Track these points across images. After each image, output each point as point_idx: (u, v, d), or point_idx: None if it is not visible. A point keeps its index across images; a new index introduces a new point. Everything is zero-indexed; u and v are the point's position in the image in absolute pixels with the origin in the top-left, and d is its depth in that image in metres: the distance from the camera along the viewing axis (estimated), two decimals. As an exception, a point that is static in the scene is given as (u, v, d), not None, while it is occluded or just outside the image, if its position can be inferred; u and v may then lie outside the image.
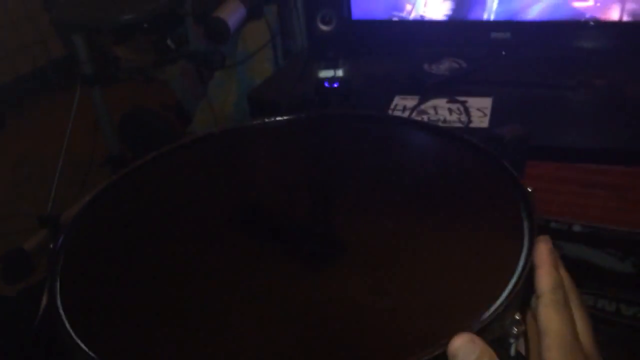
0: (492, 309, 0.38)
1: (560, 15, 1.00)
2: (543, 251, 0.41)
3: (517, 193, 0.49)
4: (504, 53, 1.04)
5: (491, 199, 0.51)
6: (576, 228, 0.91)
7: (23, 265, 1.73)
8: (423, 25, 1.10)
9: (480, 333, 0.37)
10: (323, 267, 0.48)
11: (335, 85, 0.98)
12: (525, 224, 0.46)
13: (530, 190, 0.48)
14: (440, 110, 0.92)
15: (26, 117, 2.76)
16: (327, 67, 1.00)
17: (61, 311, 0.43)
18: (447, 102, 0.94)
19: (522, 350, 0.43)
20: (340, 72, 1.00)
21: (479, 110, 0.91)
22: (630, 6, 0.96)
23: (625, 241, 0.89)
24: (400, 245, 0.48)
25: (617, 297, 0.94)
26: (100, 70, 1.88)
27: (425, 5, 1.08)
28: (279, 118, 0.68)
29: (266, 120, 0.68)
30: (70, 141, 1.89)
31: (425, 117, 0.90)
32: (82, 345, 0.39)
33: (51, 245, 0.50)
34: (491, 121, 0.87)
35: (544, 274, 0.40)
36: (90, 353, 0.39)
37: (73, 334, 0.40)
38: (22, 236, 1.81)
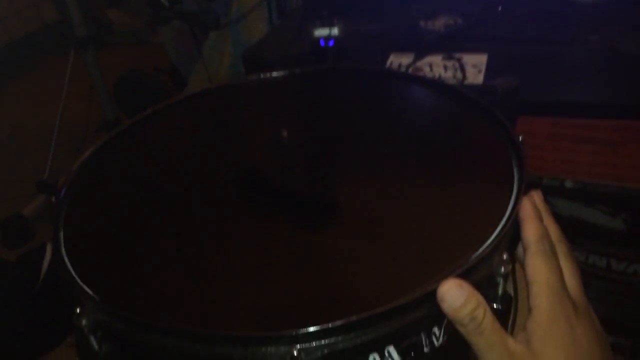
0: (481, 249, 0.39)
1: (556, -30, 0.99)
2: (527, 206, 0.43)
3: (508, 141, 0.50)
4: (499, 9, 1.03)
5: (482, 148, 0.52)
6: (568, 184, 0.93)
7: (22, 230, 1.75)
8: (418, -17, 1.09)
9: (469, 272, 0.38)
10: (319, 218, 0.49)
11: (331, 44, 0.98)
12: (515, 171, 0.47)
13: (520, 138, 0.49)
14: (436, 67, 0.92)
15: (21, 83, 2.74)
16: (323, 26, 0.99)
17: (66, 259, 0.44)
18: (443, 59, 0.94)
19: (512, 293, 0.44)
20: (335, 31, 0.99)
21: (474, 66, 0.91)
22: (626, -39, 0.95)
23: (616, 197, 0.90)
24: (393, 195, 0.49)
25: (607, 253, 0.96)
26: (94, 33, 1.86)
27: (420, -38, 1.07)
28: (274, 74, 0.68)
29: (262, 76, 0.69)
30: (65, 107, 1.89)
31: (420, 75, 0.90)
32: (87, 290, 0.41)
33: (53, 198, 0.51)
34: (486, 77, 0.87)
35: (529, 227, 0.42)
36: (95, 296, 0.40)
37: (78, 280, 0.42)
38: (21, 202, 1.82)
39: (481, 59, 0.94)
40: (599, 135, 0.87)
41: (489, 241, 0.40)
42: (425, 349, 0.40)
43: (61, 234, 0.47)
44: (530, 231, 0.41)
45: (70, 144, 1.88)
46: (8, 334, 1.35)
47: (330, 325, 0.35)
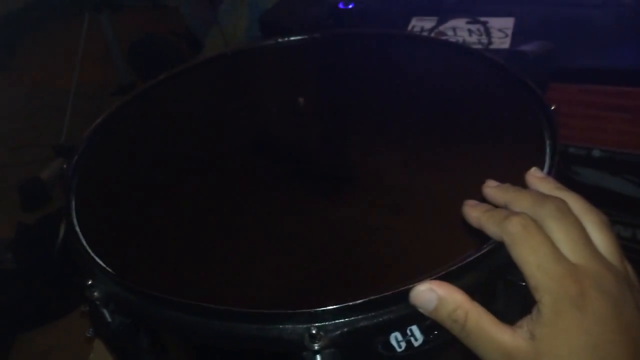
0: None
1: None
2: (469, 209, 0.38)
3: (539, 111, 0.47)
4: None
5: (513, 117, 0.49)
6: (595, 153, 0.90)
7: (40, 193, 1.75)
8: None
9: (461, 271, 0.35)
10: (338, 188, 0.47)
11: (350, 7, 0.95)
12: (548, 143, 0.45)
13: (553, 107, 0.46)
14: (460, 32, 0.89)
15: (36, 46, 2.72)
16: (342, -12, 0.96)
17: (77, 229, 0.43)
18: (467, 22, 0.90)
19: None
20: (355, -7, 0.96)
21: (500, 30, 0.87)
22: None
23: (643, 167, 0.87)
24: (417, 165, 0.47)
25: (632, 223, 0.94)
26: (108, -4, 1.83)
27: None
28: (292, 38, 0.66)
29: (279, 40, 0.66)
30: (81, 70, 1.87)
31: (445, 38, 0.86)
32: (100, 261, 0.39)
33: (64, 166, 0.50)
34: (512, 42, 0.84)
35: (487, 224, 0.37)
36: (108, 269, 0.39)
37: (90, 251, 0.40)
38: (38, 166, 1.83)
39: (508, 23, 0.90)
40: (630, 103, 0.84)
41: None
42: (449, 328, 0.38)
43: (73, 203, 0.46)
44: (489, 226, 0.36)
45: (86, 107, 1.87)
46: (26, 298, 1.36)
47: (351, 303, 0.33)
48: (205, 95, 0.62)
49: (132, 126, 0.57)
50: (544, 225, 0.35)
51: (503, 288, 0.39)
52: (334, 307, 0.33)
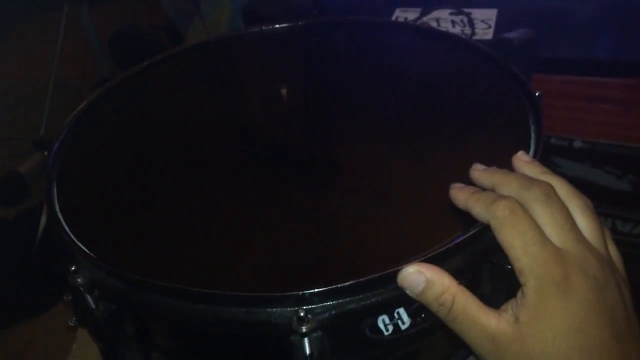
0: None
1: None
2: (456, 192, 0.39)
3: (524, 97, 0.47)
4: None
5: (497, 105, 0.50)
6: (577, 144, 0.90)
7: (19, 188, 1.72)
8: None
9: (450, 253, 0.36)
10: (324, 176, 0.47)
11: (334, -3, 0.95)
12: (533, 128, 0.45)
13: (537, 94, 0.47)
14: (443, 23, 0.89)
15: (14, 39, 2.67)
16: (325, -22, 0.95)
17: (59, 215, 0.42)
18: (450, 13, 0.90)
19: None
20: (338, -17, 0.95)
21: (484, 22, 0.87)
22: None
23: (624, 158, 0.88)
24: (403, 153, 0.47)
25: (613, 214, 0.95)
26: (88, -13, 1.81)
27: None
28: (277, 26, 0.65)
29: (264, 28, 0.66)
30: (60, 63, 1.84)
31: (431, 27, 0.86)
32: (83, 247, 0.39)
33: (45, 152, 0.49)
34: (495, 33, 0.84)
35: (473, 205, 0.37)
36: (91, 254, 0.38)
37: (73, 237, 0.40)
38: (17, 160, 1.80)
39: (491, 14, 0.90)
40: (611, 94, 0.84)
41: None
42: (436, 311, 0.38)
43: (54, 190, 0.45)
44: (476, 208, 0.36)
45: (65, 100, 1.84)
46: (6, 293, 1.34)
47: (338, 285, 0.33)
48: (188, 83, 0.61)
49: (113, 114, 0.56)
50: (530, 209, 0.35)
51: (489, 271, 0.40)
52: (322, 289, 0.33)
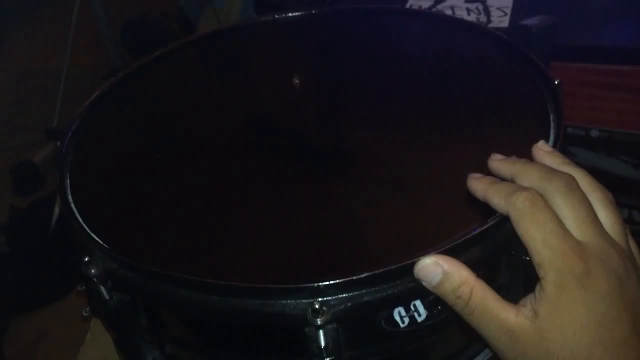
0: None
1: None
2: (474, 181, 0.38)
3: (543, 85, 0.46)
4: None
5: (516, 92, 0.49)
6: (593, 133, 0.89)
7: (33, 177, 1.73)
8: None
9: (466, 244, 0.35)
10: (339, 165, 0.46)
11: (347, -16, 0.93)
12: (552, 117, 0.44)
13: (557, 82, 0.46)
14: (458, 11, 0.87)
15: (27, 28, 2.68)
16: (338, -35, 0.94)
17: (72, 205, 0.42)
18: (465, 1, 0.89)
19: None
20: (352, -29, 0.94)
21: (499, 9, 0.86)
22: None
23: (640, 147, 0.87)
24: (418, 143, 0.46)
25: (629, 204, 0.93)
26: (100, -24, 1.80)
27: None
28: (290, 14, 0.64)
29: (276, 16, 0.65)
30: (72, 52, 1.85)
31: (447, 14, 0.85)
32: (96, 238, 0.38)
33: (58, 143, 0.49)
34: (512, 21, 0.82)
35: (492, 196, 0.36)
36: (104, 245, 0.38)
37: (86, 227, 0.40)
38: (30, 150, 1.81)
39: (507, 2, 0.89)
40: (629, 82, 0.83)
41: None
42: (453, 303, 0.37)
43: (67, 180, 0.45)
44: (495, 199, 0.36)
45: (78, 90, 1.84)
46: (20, 281, 1.35)
47: (354, 277, 0.33)
48: (201, 72, 0.61)
49: (125, 104, 0.56)
50: (551, 201, 0.35)
51: (506, 262, 0.39)
52: (337, 281, 0.33)
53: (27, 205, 1.59)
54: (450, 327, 0.39)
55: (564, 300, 0.32)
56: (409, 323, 0.36)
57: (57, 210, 1.46)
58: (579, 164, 0.38)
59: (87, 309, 0.47)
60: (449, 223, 0.39)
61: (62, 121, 1.80)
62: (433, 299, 0.36)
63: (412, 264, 0.34)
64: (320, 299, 0.33)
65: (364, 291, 0.33)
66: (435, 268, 0.33)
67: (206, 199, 0.43)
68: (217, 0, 1.52)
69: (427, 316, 0.37)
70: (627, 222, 0.97)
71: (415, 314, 0.36)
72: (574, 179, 0.35)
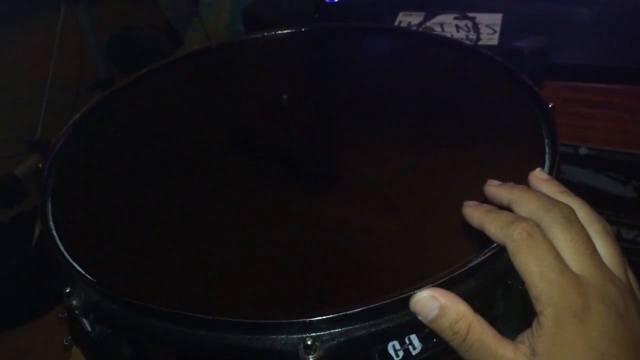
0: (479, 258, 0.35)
1: None
2: (472, 213, 0.37)
3: (538, 109, 0.46)
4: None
5: (510, 116, 0.48)
6: (582, 151, 0.89)
7: (15, 190, 1.70)
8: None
9: (462, 277, 0.34)
10: (329, 188, 0.45)
11: (336, 0, 0.93)
12: (547, 142, 0.43)
13: (551, 105, 0.45)
14: (447, 27, 0.87)
15: (11, 39, 2.65)
16: (327, -19, 0.94)
17: (54, 232, 0.40)
18: (455, 18, 0.89)
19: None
20: (340, -13, 0.94)
21: (488, 27, 0.86)
22: None
23: (628, 164, 0.87)
24: (410, 165, 0.45)
25: (617, 221, 0.93)
26: (85, -13, 1.79)
27: None
28: (279, 32, 0.63)
29: (265, 34, 0.64)
30: (57, 64, 1.82)
31: (437, 33, 0.85)
32: (79, 268, 0.37)
33: (40, 165, 0.47)
34: (501, 38, 0.82)
35: (488, 226, 0.35)
36: (87, 276, 0.37)
37: (68, 257, 0.38)
38: (13, 162, 1.78)
39: (496, 19, 0.89)
40: (617, 101, 0.83)
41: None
42: (448, 336, 0.36)
43: (49, 204, 0.43)
44: (492, 229, 0.35)
45: (62, 102, 1.82)
46: (1, 296, 1.32)
47: (348, 312, 0.32)
48: (189, 90, 0.60)
49: (111, 123, 0.54)
50: (549, 232, 0.34)
51: (503, 292, 0.38)
52: (330, 315, 0.32)
53: (8, 219, 1.56)
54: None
55: (562, 337, 0.31)
56: (403, 357, 0.35)
57: (38, 227, 1.43)
58: (566, 180, 0.37)
59: (69, 337, 0.46)
60: (445, 251, 0.38)
61: (46, 133, 1.78)
62: (428, 332, 0.35)
63: (408, 297, 0.33)
64: (312, 334, 0.32)
65: (358, 326, 0.32)
66: (432, 302, 0.32)
67: (192, 227, 0.42)
68: (204, 13, 1.52)
69: (421, 349, 0.36)
70: (617, 239, 0.97)
71: (410, 347, 0.35)
72: (572, 210, 0.34)
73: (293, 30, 0.63)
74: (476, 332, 0.32)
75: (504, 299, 0.39)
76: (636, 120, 0.83)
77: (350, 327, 0.32)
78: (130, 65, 1.67)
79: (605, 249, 0.34)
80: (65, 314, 0.46)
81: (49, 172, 0.47)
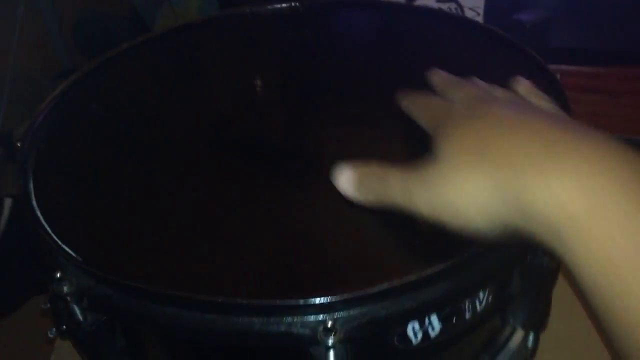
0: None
1: None
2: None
3: (545, 81, 0.44)
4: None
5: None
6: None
7: (-25, 184, 1.63)
8: None
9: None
10: (307, 177, 0.42)
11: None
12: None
13: (557, 76, 0.44)
14: (430, 10, 0.86)
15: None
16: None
17: (39, 215, 0.37)
18: (438, 0, 0.87)
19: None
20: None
21: (472, 9, 0.85)
22: None
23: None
24: (408, 151, 0.42)
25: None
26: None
27: None
28: (269, 7, 0.60)
29: (249, 10, 0.61)
30: (18, 54, 1.75)
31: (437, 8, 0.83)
32: (70, 251, 0.34)
33: (18, 143, 0.44)
34: (485, 19, 0.81)
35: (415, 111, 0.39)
36: (80, 259, 0.33)
37: (57, 240, 0.35)
38: (-28, 155, 1.70)
39: (478, 1, 0.88)
40: (602, 85, 0.83)
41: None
42: (467, 315, 0.35)
43: (31, 186, 0.40)
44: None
45: (25, 93, 1.75)
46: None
47: (370, 290, 0.29)
48: (167, 71, 0.56)
49: (87, 103, 0.50)
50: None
51: (520, 271, 0.37)
52: (352, 295, 0.29)
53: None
54: (460, 342, 0.36)
55: (452, 137, 0.31)
56: (422, 338, 0.33)
57: (3, 220, 1.37)
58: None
59: (53, 330, 0.42)
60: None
61: (8, 124, 1.71)
62: (448, 312, 0.33)
63: (432, 275, 0.31)
64: (333, 315, 0.29)
65: (380, 305, 0.30)
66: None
67: (181, 205, 0.39)
68: (175, -2, 1.47)
69: (440, 330, 0.34)
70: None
71: (429, 328, 0.33)
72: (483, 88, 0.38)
73: (282, 6, 0.60)
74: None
75: (521, 278, 0.37)
76: (619, 104, 0.83)
77: (372, 307, 0.30)
78: (99, 50, 1.61)
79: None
80: (48, 305, 0.43)
81: (26, 151, 0.43)
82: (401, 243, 0.35)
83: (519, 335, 0.43)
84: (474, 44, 0.52)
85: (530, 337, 0.42)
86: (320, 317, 0.29)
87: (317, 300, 0.29)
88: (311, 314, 0.30)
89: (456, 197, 0.29)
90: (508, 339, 0.42)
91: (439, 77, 0.41)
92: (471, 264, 0.32)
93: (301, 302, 0.29)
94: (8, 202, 1.36)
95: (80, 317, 0.35)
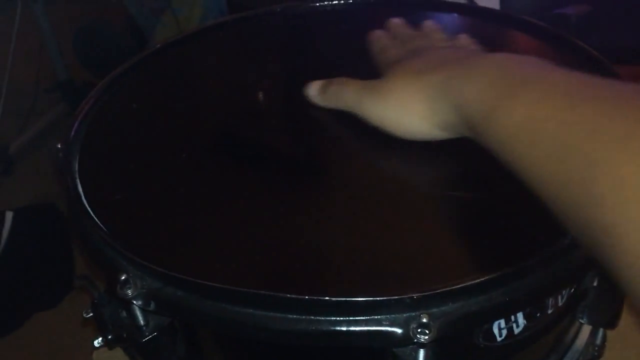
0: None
1: None
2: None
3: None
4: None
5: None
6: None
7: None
8: None
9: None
10: (310, 186, 0.40)
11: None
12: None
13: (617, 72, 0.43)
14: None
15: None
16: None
17: (92, 215, 0.35)
18: None
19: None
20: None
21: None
22: None
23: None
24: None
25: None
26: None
27: None
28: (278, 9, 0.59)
29: (278, 9, 0.59)
30: (13, 65, 1.72)
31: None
32: (133, 256, 0.32)
33: (59, 144, 0.41)
34: (502, 6, 0.80)
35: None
36: (146, 262, 0.31)
37: (117, 241, 0.33)
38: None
39: (494, 2, 0.87)
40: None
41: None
42: (550, 310, 0.33)
43: (79, 187, 0.38)
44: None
45: (20, 105, 1.73)
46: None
47: (467, 283, 0.28)
48: (204, 65, 0.54)
49: (126, 104, 0.48)
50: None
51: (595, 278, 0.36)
52: (447, 289, 0.28)
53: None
54: (541, 339, 0.35)
55: (400, 65, 0.40)
56: (506, 336, 0.32)
57: (5, 232, 1.34)
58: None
59: (100, 339, 0.40)
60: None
61: (3, 137, 1.68)
62: (534, 307, 0.32)
63: (523, 268, 0.29)
64: (427, 311, 0.28)
65: (477, 299, 0.28)
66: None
67: (227, 205, 0.37)
68: (177, 6, 1.45)
69: (524, 327, 0.32)
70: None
71: (514, 325, 0.32)
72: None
73: (285, 6, 0.58)
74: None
75: (596, 287, 0.36)
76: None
77: (465, 302, 0.28)
78: (99, 61, 1.59)
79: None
80: (91, 314, 0.41)
81: (68, 154, 0.41)
82: (451, 243, 0.33)
83: (585, 332, 0.41)
84: (516, 39, 0.51)
85: (599, 334, 0.41)
86: (412, 313, 0.28)
87: (407, 296, 0.27)
88: (401, 311, 0.28)
89: (401, 109, 0.38)
90: (575, 336, 0.41)
91: (396, 22, 0.49)
92: (561, 257, 0.30)
93: (392, 298, 0.28)
94: (9, 215, 1.33)
95: (142, 322, 0.33)
